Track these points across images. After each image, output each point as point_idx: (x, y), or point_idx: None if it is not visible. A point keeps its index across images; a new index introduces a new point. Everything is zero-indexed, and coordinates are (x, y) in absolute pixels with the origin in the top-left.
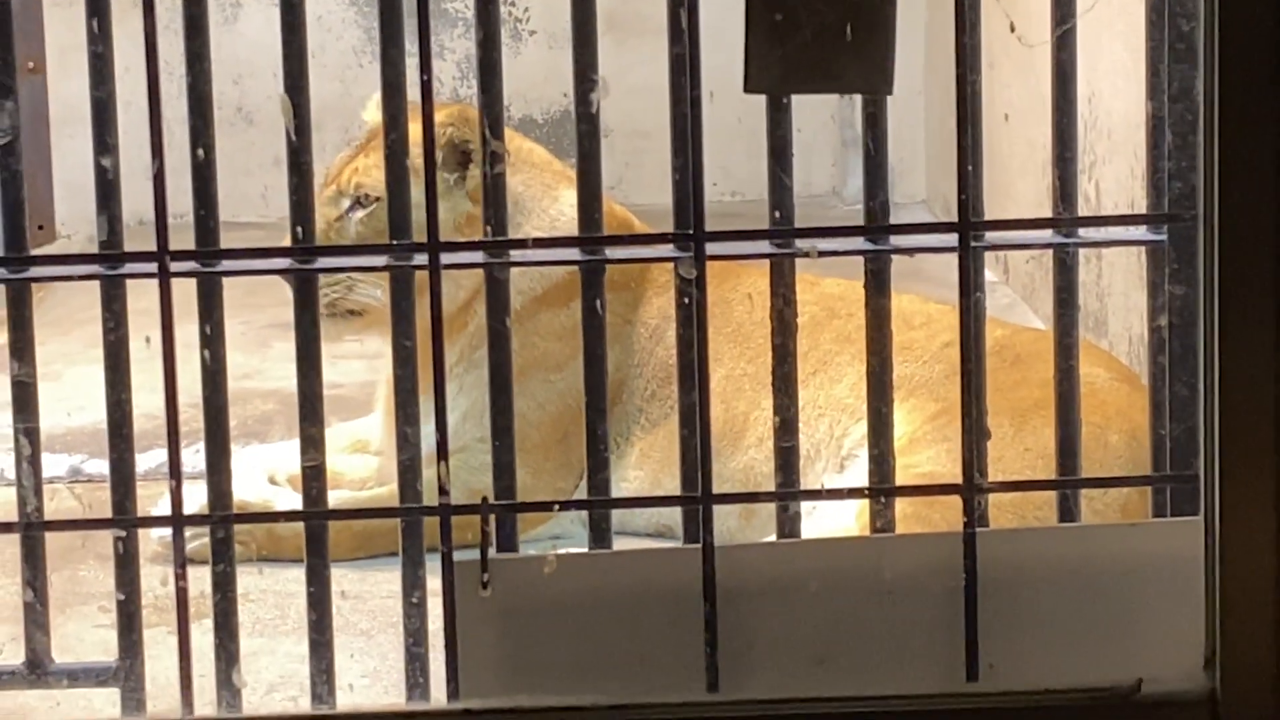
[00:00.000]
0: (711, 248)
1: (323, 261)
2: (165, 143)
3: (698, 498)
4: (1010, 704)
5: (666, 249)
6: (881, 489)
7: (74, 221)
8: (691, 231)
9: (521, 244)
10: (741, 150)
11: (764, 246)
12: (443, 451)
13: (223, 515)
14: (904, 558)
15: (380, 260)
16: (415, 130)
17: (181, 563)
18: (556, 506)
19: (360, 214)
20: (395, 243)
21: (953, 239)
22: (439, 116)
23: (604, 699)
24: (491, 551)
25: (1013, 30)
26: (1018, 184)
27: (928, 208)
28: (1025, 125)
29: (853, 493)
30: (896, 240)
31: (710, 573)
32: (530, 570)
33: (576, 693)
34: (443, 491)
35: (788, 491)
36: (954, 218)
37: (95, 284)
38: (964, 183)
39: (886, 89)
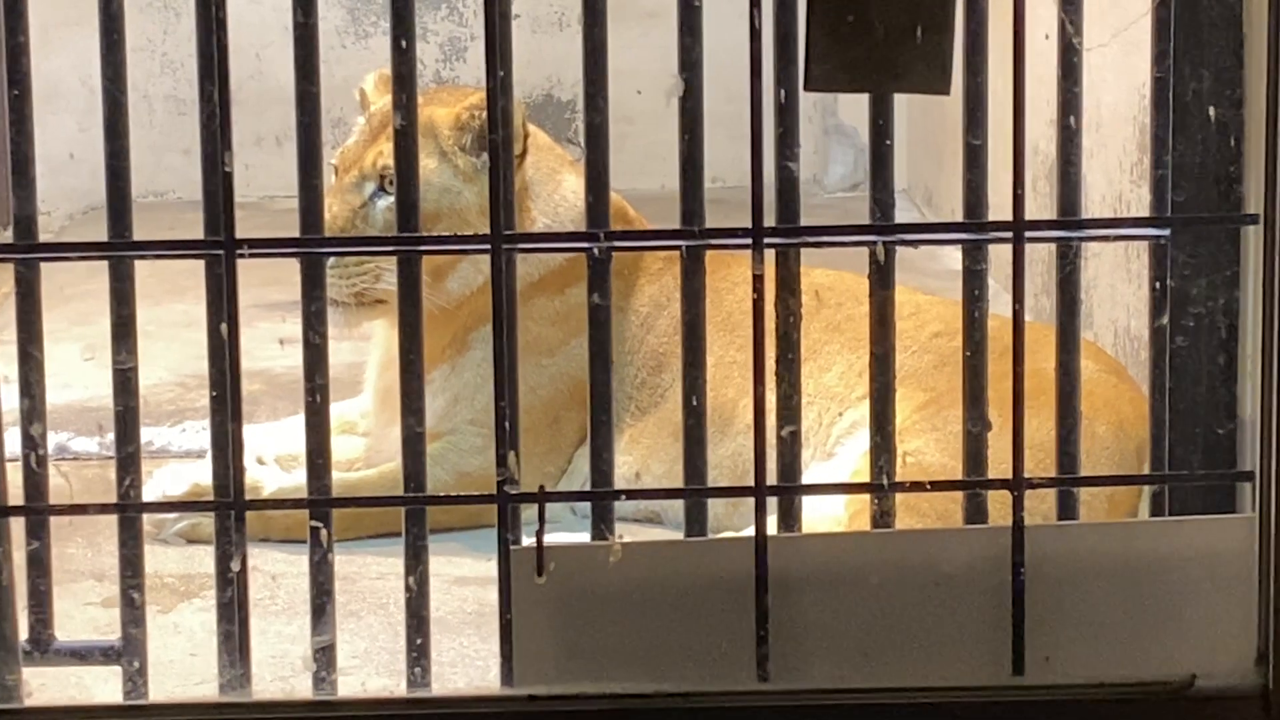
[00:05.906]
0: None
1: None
2: (147, 119)
3: (751, 489)
4: (1061, 696)
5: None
6: (933, 483)
7: (52, 199)
8: (751, 226)
9: (593, 236)
10: (722, 137)
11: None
12: (513, 441)
13: (278, 501)
14: (955, 552)
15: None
16: (435, 114)
17: (240, 549)
18: (623, 496)
19: (387, 200)
20: (457, 234)
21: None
22: (472, 100)
23: (665, 686)
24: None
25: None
26: (1002, 176)
27: (908, 197)
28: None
29: (894, 487)
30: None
31: (764, 564)
32: (588, 559)
33: (625, 679)
34: (510, 481)
35: (839, 484)
36: (934, 207)
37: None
38: (1019, 180)
39: (945, 89)
